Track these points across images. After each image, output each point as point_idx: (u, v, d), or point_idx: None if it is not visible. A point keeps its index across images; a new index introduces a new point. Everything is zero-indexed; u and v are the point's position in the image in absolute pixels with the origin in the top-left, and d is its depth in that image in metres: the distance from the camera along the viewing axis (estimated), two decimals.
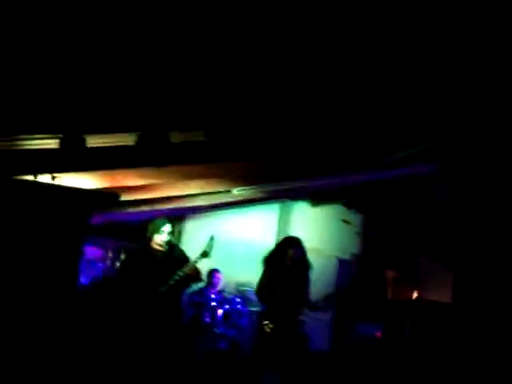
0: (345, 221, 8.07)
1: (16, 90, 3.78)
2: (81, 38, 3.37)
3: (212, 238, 5.42)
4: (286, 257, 5.47)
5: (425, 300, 8.52)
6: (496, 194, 6.03)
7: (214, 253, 5.41)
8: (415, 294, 9.57)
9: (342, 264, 9.01)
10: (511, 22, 2.96)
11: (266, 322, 5.32)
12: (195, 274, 5.42)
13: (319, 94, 4.11)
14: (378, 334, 7.80)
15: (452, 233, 7.82)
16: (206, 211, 8.69)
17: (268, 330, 5.30)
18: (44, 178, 4.61)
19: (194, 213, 8.85)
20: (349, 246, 8.88)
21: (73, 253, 4.33)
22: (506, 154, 5.00)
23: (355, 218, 8.65)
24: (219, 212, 8.70)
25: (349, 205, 8.65)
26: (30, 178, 4.58)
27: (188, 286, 5.65)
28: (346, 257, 9.07)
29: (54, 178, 4.62)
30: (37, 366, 4.15)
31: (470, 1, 2.87)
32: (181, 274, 5.18)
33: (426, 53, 3.41)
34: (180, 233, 8.89)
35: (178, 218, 8.60)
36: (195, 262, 5.28)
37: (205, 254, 5.32)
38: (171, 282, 5.16)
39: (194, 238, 8.62)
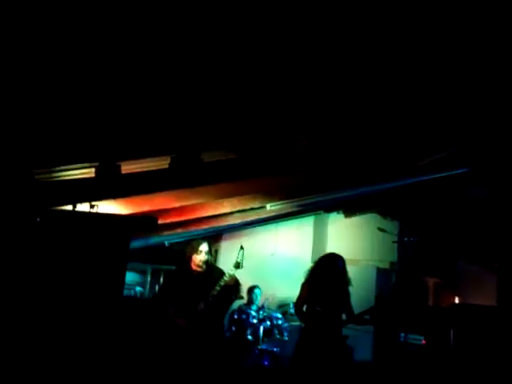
0: (380, 229, 7.97)
1: (50, 123, 3.87)
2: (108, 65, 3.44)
3: (242, 248, 5.45)
4: (329, 273, 5.45)
5: (468, 305, 8.35)
6: None
7: (246, 264, 5.43)
8: (457, 300, 9.41)
9: (381, 273, 8.93)
10: None
11: None
12: (234, 284, 5.43)
13: (348, 103, 4.11)
14: (423, 342, 7.69)
15: (492, 234, 7.68)
16: (241, 229, 8.71)
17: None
18: (82, 207, 4.70)
19: (229, 231, 8.88)
20: (386, 254, 8.79)
21: (116, 280, 4.38)
22: None
23: (391, 226, 8.56)
24: (254, 228, 8.71)
25: (384, 213, 8.58)
26: (69, 207, 4.67)
27: (229, 298, 5.65)
28: (385, 266, 8.99)
29: (92, 206, 4.70)
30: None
31: None
32: (221, 283, 5.22)
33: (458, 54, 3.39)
34: (217, 252, 8.94)
35: (213, 238, 8.65)
36: (230, 274, 5.32)
37: (237, 265, 5.35)
38: (214, 293, 5.20)
39: (231, 256, 8.65)
